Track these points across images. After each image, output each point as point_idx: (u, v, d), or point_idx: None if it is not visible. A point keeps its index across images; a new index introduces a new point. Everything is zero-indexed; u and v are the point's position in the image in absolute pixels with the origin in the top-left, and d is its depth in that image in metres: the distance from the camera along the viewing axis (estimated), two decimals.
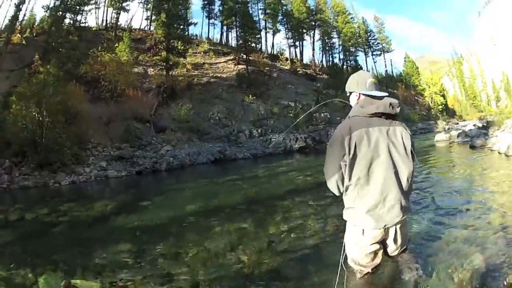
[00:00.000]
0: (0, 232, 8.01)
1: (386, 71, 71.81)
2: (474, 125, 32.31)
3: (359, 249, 2.84)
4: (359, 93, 2.98)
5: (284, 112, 33.66)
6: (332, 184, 2.77)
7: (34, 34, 32.93)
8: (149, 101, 28.71)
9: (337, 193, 2.78)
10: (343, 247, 2.76)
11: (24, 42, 29.98)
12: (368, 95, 2.89)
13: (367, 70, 62.95)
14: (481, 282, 2.92)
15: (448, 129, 39.17)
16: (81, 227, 8.39)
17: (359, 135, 2.65)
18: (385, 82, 61.12)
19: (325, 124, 34.33)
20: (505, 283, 2.77)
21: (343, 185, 2.75)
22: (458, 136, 21.02)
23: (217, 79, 36.26)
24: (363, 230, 2.75)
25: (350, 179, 2.68)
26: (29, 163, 16.78)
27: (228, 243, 5.60)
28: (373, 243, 2.79)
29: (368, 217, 2.70)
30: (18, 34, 30.86)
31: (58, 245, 6.64)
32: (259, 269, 4.40)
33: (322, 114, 35.29)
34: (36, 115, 17.09)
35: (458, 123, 56.61)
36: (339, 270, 2.60)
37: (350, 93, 3.10)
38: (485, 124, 27.16)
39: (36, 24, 36.03)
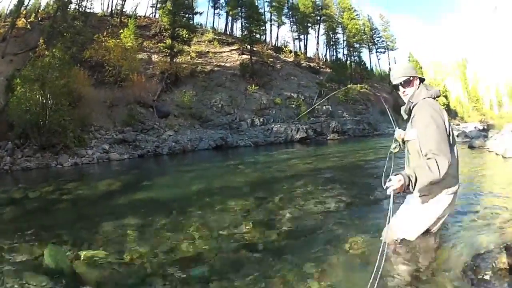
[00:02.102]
0: (4, 209, 7.93)
1: (390, 68, 71.58)
2: (475, 127, 32.40)
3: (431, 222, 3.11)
4: (417, 78, 3.07)
5: (286, 103, 33.75)
6: (446, 163, 2.57)
7: (39, 18, 32.89)
8: (152, 87, 28.95)
9: (443, 173, 2.55)
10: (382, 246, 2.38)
11: (28, 26, 30.03)
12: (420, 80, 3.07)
13: (370, 67, 63.00)
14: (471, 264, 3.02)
15: None
16: (85, 204, 8.43)
17: (446, 117, 2.84)
18: (389, 79, 60.94)
19: (327, 116, 34.43)
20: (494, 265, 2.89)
21: None
22: (458, 136, 21.10)
23: (220, 68, 36.33)
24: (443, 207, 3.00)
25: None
26: (32, 145, 16.87)
27: (229, 219, 5.69)
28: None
29: (450, 197, 2.98)
30: (23, 19, 30.86)
31: (63, 221, 6.68)
32: (259, 243, 4.50)
33: (324, 107, 35.36)
34: (40, 97, 17.12)
35: (459, 124, 56.46)
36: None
37: (408, 78, 3.08)
38: (485, 127, 27.30)
39: (41, 9, 35.99)
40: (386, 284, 2.84)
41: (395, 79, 3.13)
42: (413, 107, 2.94)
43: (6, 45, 25.36)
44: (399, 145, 3.32)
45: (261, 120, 30.67)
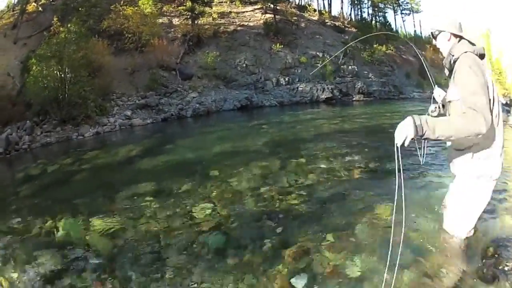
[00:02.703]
0: (21, 187, 7.87)
1: (415, 31, 69.05)
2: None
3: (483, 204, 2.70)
4: (453, 34, 2.71)
5: (311, 62, 32.86)
6: (486, 118, 2.15)
7: (51, 0, 32.38)
8: (174, 50, 28.41)
9: (483, 131, 2.13)
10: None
11: (40, 9, 29.73)
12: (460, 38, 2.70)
13: (395, 29, 60.64)
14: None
15: None
16: (105, 172, 8.42)
17: (490, 79, 2.46)
18: (414, 42, 58.90)
19: (353, 76, 33.55)
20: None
21: None
22: None
23: (244, 28, 35.42)
24: (495, 181, 2.61)
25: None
26: (51, 120, 16.72)
27: (251, 183, 5.61)
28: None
29: (499, 166, 2.56)
30: (34, 3, 30.46)
31: (80, 192, 6.60)
32: (279, 209, 4.39)
33: (349, 67, 34.45)
34: (58, 72, 16.88)
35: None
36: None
37: (439, 32, 2.76)
38: (508, 102, 26.01)
39: None
40: (403, 264, 2.59)
41: (433, 27, 2.81)
42: (454, 62, 2.57)
43: (17, 31, 25.25)
44: (438, 107, 2.95)
45: (287, 79, 29.98)
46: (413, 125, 2.04)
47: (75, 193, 6.45)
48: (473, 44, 2.58)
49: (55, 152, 13.17)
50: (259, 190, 5.17)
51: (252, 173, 6.25)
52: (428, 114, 2.86)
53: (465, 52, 2.48)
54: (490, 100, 2.36)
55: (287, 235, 3.65)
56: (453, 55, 2.58)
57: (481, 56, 2.52)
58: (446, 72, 2.80)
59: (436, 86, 3.09)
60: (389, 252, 1.98)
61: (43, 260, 3.79)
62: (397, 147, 2.04)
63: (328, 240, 3.40)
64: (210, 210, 4.56)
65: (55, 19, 24.51)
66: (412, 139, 2.06)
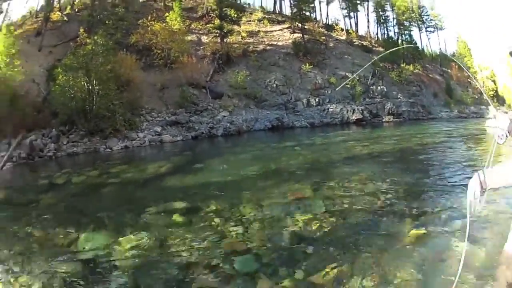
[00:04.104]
0: (45, 195, 7.87)
1: (440, 49, 68.43)
2: None
3: None
4: None
5: (341, 83, 32.76)
6: None
7: (76, 10, 33.22)
8: (204, 68, 28.71)
9: None
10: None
11: (65, 18, 30.40)
12: None
13: (421, 47, 60.14)
14: None
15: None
16: (132, 187, 8.32)
17: None
18: (440, 60, 58.12)
19: (382, 97, 33.28)
20: None
21: None
22: None
23: (273, 47, 35.63)
24: None
25: None
26: (78, 130, 16.89)
27: (283, 206, 5.54)
28: None
29: None
30: (58, 12, 31.30)
31: (105, 205, 6.58)
32: (311, 234, 4.32)
33: (378, 87, 34.30)
34: (86, 84, 17.12)
35: (507, 112, 52.81)
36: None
37: None
38: None
39: (77, 1, 35.77)
40: None
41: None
42: None
43: (42, 38, 25.72)
44: (506, 135, 2.52)
45: (317, 100, 29.92)
46: (478, 181, 2.11)
47: (100, 206, 6.45)
48: None
49: (81, 162, 13.33)
50: (292, 214, 5.11)
51: (284, 195, 6.18)
52: (495, 140, 2.54)
53: None
54: None
55: (319, 260, 3.55)
56: None
57: None
58: None
59: (498, 110, 2.95)
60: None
61: (60, 270, 3.74)
62: (469, 202, 2.14)
63: (362, 267, 3.29)
64: (240, 232, 4.49)
65: (81, 30, 25.07)
66: (481, 192, 2.12)
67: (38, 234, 4.90)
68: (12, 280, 3.64)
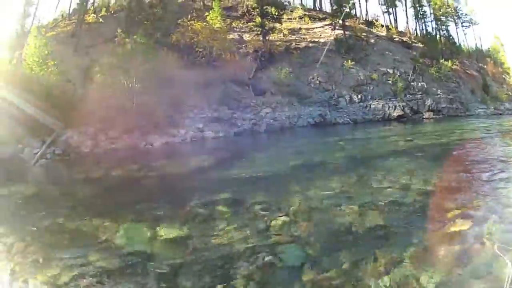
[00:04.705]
0: (82, 189, 7.73)
1: (476, 44, 66.22)
2: None
3: None
4: None
5: (383, 79, 32.68)
6: None
7: (112, 12, 33.44)
8: (247, 65, 28.88)
9: None
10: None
11: (101, 20, 30.68)
12: None
13: (458, 43, 58.45)
14: None
15: None
16: (174, 180, 8.29)
17: None
18: (476, 56, 56.38)
19: (422, 93, 32.95)
20: None
21: None
22: None
23: (315, 44, 35.73)
24: None
25: None
26: (117, 126, 16.54)
27: (328, 198, 5.50)
28: None
29: None
30: (93, 14, 31.54)
31: (145, 198, 6.45)
32: (357, 226, 4.29)
33: (419, 84, 33.87)
34: (125, 82, 17.34)
35: None
36: None
37: None
38: None
39: (112, 3, 35.88)
40: None
41: None
42: None
43: (77, 40, 26.14)
44: None
45: (359, 96, 29.88)
46: None
47: (140, 199, 6.32)
48: None
49: (120, 158, 12.96)
50: (337, 205, 5.08)
51: (329, 188, 6.14)
52: None
53: None
54: None
55: (364, 251, 3.55)
56: None
57: None
58: None
59: None
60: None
61: (95, 260, 3.70)
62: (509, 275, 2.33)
63: (407, 257, 3.30)
64: (286, 223, 4.45)
65: (119, 30, 25.19)
66: None
67: (71, 224, 4.88)
68: (45, 270, 3.66)
